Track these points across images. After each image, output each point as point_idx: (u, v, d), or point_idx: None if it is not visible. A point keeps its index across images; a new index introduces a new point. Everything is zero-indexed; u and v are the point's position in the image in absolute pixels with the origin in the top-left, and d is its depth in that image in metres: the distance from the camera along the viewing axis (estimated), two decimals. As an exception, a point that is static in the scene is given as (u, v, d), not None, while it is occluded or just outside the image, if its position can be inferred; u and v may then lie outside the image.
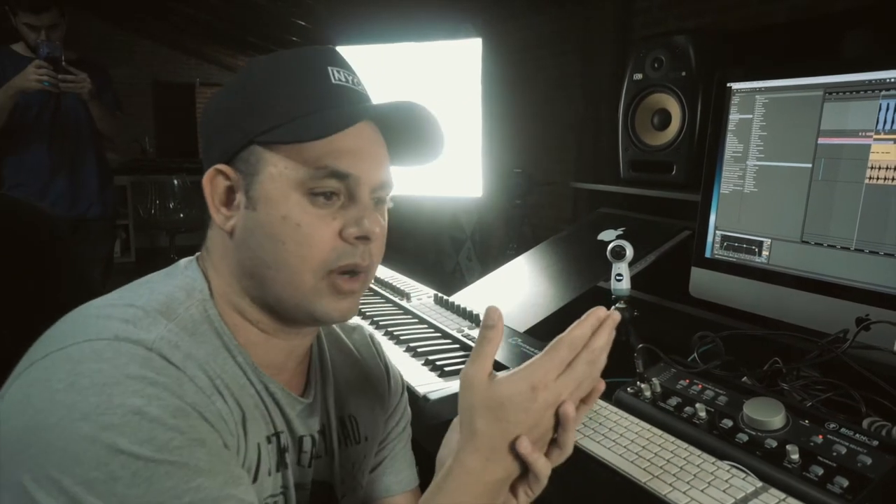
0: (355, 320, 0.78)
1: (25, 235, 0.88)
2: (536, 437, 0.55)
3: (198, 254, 0.66)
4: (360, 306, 1.30)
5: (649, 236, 1.42)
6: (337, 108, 0.59)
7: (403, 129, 0.64)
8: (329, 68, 0.61)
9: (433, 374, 0.96)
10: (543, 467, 0.57)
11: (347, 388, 0.74)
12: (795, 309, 1.07)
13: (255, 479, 0.58)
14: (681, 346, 1.11)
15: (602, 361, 0.57)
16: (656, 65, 1.66)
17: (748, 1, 1.69)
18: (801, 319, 1.06)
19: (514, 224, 2.15)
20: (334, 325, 0.77)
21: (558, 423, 0.56)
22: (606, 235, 1.50)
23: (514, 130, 2.44)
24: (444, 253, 3.01)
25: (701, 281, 1.24)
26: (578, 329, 0.55)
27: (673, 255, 1.40)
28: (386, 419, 0.79)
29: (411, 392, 0.91)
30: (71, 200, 2.29)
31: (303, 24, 4.11)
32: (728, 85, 1.16)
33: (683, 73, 1.60)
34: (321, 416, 0.69)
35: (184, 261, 0.65)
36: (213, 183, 0.61)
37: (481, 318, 1.17)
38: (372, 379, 0.78)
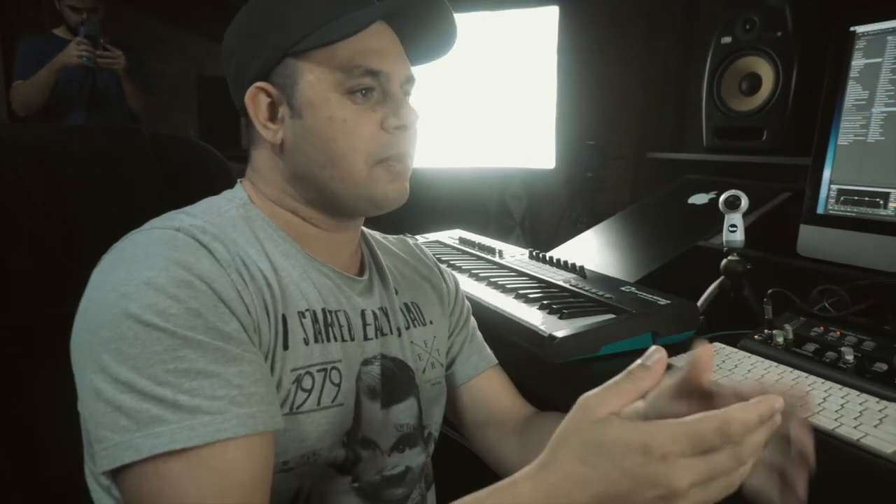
0: (450, 271, 0.90)
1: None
2: None
3: (240, 179, 0.72)
4: (454, 261, 1.27)
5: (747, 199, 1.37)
6: (354, 12, 0.63)
7: (417, 27, 0.68)
8: None
9: (553, 317, 0.92)
10: None
11: (402, 280, 0.80)
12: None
13: (285, 347, 0.62)
14: (799, 299, 1.06)
15: (748, 467, 0.42)
16: (748, 26, 1.61)
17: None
18: (934, 272, 1.00)
19: (585, 197, 2.11)
20: (376, 235, 0.84)
21: None
22: (699, 199, 1.45)
23: (585, 101, 2.38)
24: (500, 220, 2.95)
25: (811, 238, 1.19)
26: (743, 413, 0.40)
27: (773, 217, 1.35)
28: (448, 314, 0.86)
29: (536, 333, 0.88)
30: None
31: None
32: (851, 29, 1.11)
33: (779, 34, 1.55)
34: (379, 295, 0.74)
35: None
36: (256, 101, 0.65)
37: (585, 271, 1.12)
38: (424, 273, 0.85)
